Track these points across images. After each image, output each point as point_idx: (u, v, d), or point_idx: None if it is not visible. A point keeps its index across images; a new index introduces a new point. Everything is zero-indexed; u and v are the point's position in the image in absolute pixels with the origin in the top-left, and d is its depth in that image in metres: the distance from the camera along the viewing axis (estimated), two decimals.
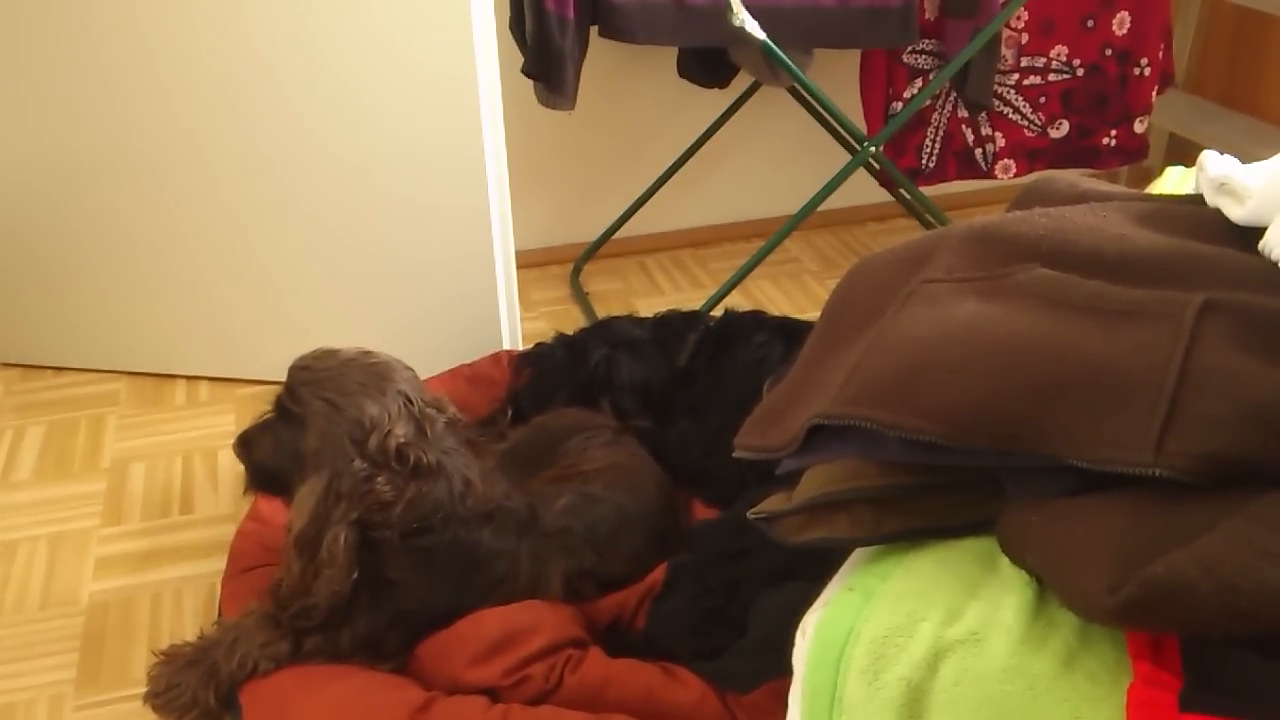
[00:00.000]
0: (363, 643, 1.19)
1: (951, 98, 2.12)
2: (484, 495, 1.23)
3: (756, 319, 1.65)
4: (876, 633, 0.74)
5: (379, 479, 1.16)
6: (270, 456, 1.22)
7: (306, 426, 1.18)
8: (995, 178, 2.19)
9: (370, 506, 1.16)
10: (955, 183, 2.23)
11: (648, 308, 2.01)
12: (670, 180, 2.32)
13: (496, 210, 1.77)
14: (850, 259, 2.33)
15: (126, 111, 1.74)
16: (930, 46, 2.05)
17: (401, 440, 1.17)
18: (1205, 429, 0.68)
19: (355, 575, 1.16)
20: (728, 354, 1.60)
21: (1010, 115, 2.13)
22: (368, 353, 1.23)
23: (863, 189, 2.38)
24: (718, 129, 2.27)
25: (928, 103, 2.10)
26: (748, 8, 1.72)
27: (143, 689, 1.22)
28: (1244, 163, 0.94)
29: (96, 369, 2.01)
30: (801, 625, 0.81)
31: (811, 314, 1.55)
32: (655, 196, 2.33)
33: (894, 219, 2.57)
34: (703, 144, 2.29)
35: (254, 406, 1.86)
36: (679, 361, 1.63)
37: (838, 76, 2.19)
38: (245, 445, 1.24)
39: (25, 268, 1.91)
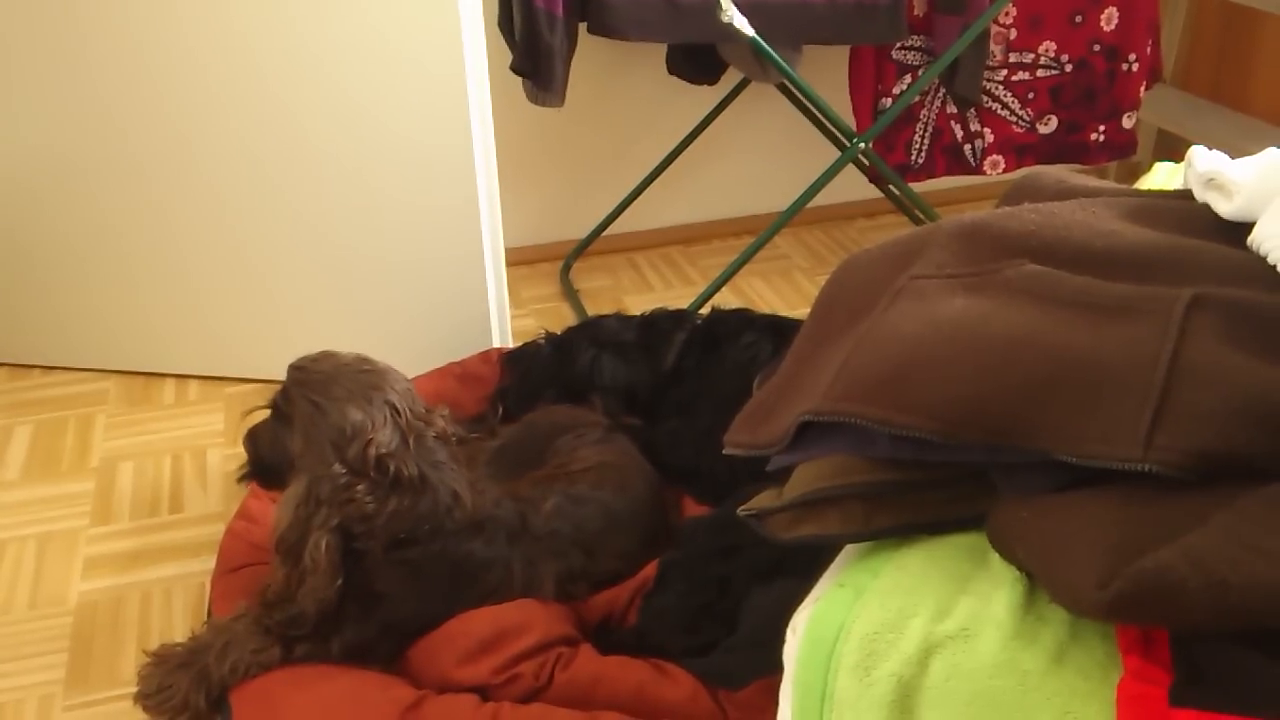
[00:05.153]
0: (352, 651, 1.19)
1: (940, 94, 2.12)
2: (473, 506, 1.23)
3: (744, 317, 1.64)
4: (867, 629, 0.74)
5: (359, 487, 1.15)
6: (269, 452, 1.25)
7: (293, 427, 1.19)
8: (984, 173, 2.19)
9: (352, 516, 1.16)
10: (944, 179, 2.23)
11: (638, 305, 2.01)
12: (660, 177, 2.32)
13: (486, 207, 1.77)
14: (840, 255, 2.33)
15: (116, 110, 1.73)
16: (919, 43, 2.05)
17: (383, 450, 1.16)
18: (1194, 424, 0.68)
19: (340, 583, 1.16)
20: (716, 353, 1.60)
21: (999, 111, 2.14)
22: (364, 360, 1.23)
23: (852, 185, 2.38)
24: (707, 125, 2.27)
25: (916, 99, 2.10)
26: (737, 4, 1.72)
27: (132, 689, 1.22)
28: (1232, 158, 0.94)
29: (85, 368, 2.00)
30: (792, 622, 0.81)
31: (802, 310, 1.55)
32: (645, 193, 2.33)
33: (883, 215, 2.57)
34: (692, 140, 2.28)
35: (243, 405, 1.86)
36: (666, 363, 1.62)
37: (827, 73, 2.19)
38: (252, 439, 1.27)
39: (13, 266, 1.91)
